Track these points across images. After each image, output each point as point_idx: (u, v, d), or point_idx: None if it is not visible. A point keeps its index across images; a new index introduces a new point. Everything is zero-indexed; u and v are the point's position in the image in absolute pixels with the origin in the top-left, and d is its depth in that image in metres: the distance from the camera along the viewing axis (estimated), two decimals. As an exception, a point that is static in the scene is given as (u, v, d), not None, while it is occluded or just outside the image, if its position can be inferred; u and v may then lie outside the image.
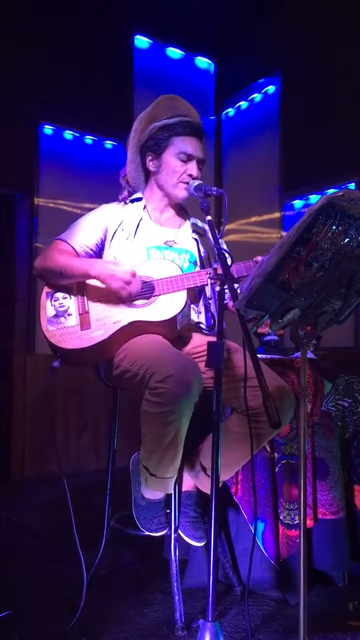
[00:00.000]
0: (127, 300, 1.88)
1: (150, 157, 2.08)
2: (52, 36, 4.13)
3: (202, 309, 2.08)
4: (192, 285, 1.89)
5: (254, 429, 1.70)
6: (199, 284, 1.90)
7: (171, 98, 2.09)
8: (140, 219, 2.09)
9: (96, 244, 2.07)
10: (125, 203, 2.14)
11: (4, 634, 1.68)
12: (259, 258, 1.85)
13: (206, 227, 1.99)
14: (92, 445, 4.23)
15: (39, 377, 3.99)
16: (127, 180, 2.19)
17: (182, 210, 2.20)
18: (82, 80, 4.24)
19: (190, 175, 2.02)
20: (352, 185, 3.74)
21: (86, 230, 2.07)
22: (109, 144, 4.50)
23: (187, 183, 2.02)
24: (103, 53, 4.38)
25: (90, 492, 2.91)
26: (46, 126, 4.21)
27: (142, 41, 4.68)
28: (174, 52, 4.85)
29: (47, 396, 4.02)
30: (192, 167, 2.03)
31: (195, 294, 2.08)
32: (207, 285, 1.92)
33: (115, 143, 4.48)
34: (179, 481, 1.90)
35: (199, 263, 2.09)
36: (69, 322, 1.92)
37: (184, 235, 2.12)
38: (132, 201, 2.15)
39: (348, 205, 1.25)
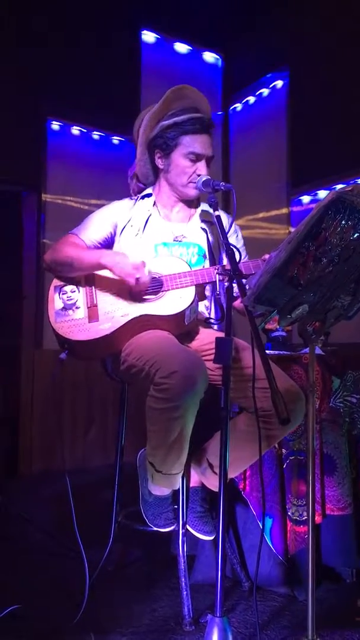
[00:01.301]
0: (135, 289, 1.88)
1: (158, 155, 2.07)
2: (58, 32, 4.12)
3: (211, 303, 2.08)
4: (201, 282, 1.89)
5: (264, 429, 1.69)
6: (207, 281, 1.90)
7: (179, 90, 2.04)
8: (150, 215, 2.09)
9: (105, 239, 2.08)
10: (136, 200, 2.14)
11: (13, 628, 1.69)
12: (267, 256, 1.84)
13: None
14: (100, 440, 4.24)
15: (46, 373, 4.00)
16: (137, 177, 2.19)
17: (193, 201, 2.18)
18: (89, 76, 4.23)
19: (199, 175, 2.02)
20: (360, 181, 3.72)
21: (96, 226, 2.08)
22: (116, 139, 4.49)
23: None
24: (110, 48, 4.36)
25: (98, 487, 2.92)
26: (53, 122, 4.20)
27: (149, 36, 4.66)
28: (182, 47, 4.83)
29: (55, 392, 4.03)
30: (201, 167, 2.02)
31: (204, 291, 2.08)
32: (215, 282, 1.92)
33: (122, 139, 4.47)
34: (186, 477, 1.90)
35: (208, 255, 2.08)
36: (77, 315, 1.93)
37: (194, 229, 2.12)
38: (142, 197, 2.15)
39: (357, 200, 1.25)
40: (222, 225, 1.79)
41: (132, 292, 1.90)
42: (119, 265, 1.87)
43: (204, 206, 2.15)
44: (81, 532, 1.82)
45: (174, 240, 2.07)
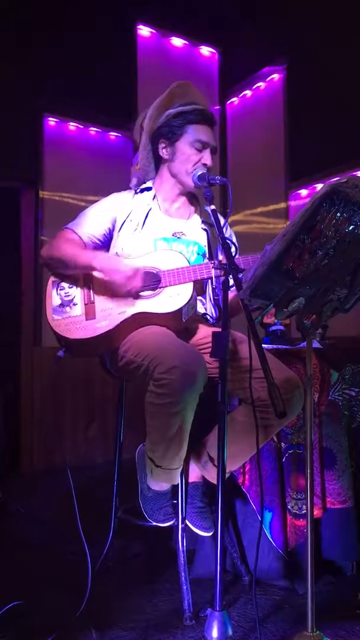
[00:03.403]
0: (129, 295, 1.88)
1: (163, 145, 2.06)
2: (54, 28, 4.10)
3: (208, 300, 2.08)
4: (199, 278, 1.88)
5: (261, 419, 1.69)
6: (205, 277, 1.89)
7: (185, 85, 2.07)
8: (149, 210, 2.07)
9: (104, 234, 2.06)
10: (136, 192, 2.13)
11: (14, 624, 1.70)
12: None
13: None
14: (100, 436, 4.25)
15: (46, 370, 4.00)
16: (139, 168, 2.18)
17: (193, 198, 2.18)
18: (85, 72, 4.21)
19: (204, 164, 2.01)
20: (358, 173, 3.71)
21: (94, 220, 2.06)
22: (113, 135, 4.48)
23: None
24: (106, 44, 4.34)
25: (98, 483, 2.92)
26: (50, 118, 4.19)
27: (145, 31, 4.64)
28: (178, 42, 4.80)
29: (55, 389, 4.04)
30: (207, 156, 2.02)
31: (202, 286, 2.07)
32: (213, 277, 1.91)
33: (119, 134, 4.46)
34: (185, 472, 1.90)
35: (207, 255, 2.07)
36: (74, 312, 1.92)
37: (193, 227, 2.11)
38: (142, 191, 2.13)
39: (352, 192, 1.24)
40: (218, 219, 1.78)
41: (124, 293, 1.90)
42: (111, 273, 1.85)
43: (205, 208, 2.14)
44: (81, 527, 1.82)
45: (173, 236, 2.06)
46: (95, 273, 1.94)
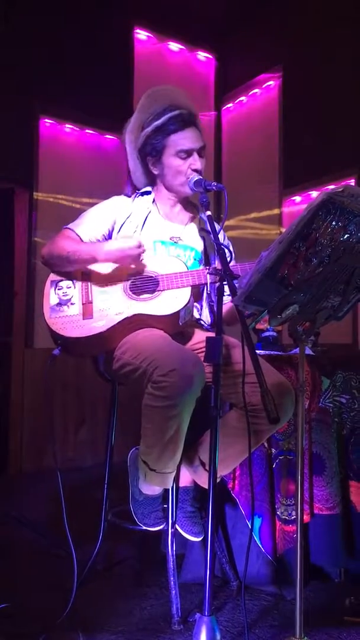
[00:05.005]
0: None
1: (151, 162, 2.07)
2: (52, 30, 4.11)
3: (204, 305, 2.08)
4: (197, 283, 1.89)
5: (253, 425, 1.70)
6: (203, 282, 1.90)
7: (152, 93, 2.05)
8: (149, 212, 2.09)
9: (103, 235, 2.07)
10: (135, 196, 2.14)
11: (1, 626, 1.69)
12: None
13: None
14: (90, 439, 4.23)
15: (37, 372, 3.98)
16: (135, 187, 2.20)
17: (190, 205, 2.19)
18: (82, 74, 4.22)
19: (195, 170, 2.01)
20: (352, 182, 3.74)
21: (94, 221, 2.07)
22: (108, 137, 4.48)
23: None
24: (103, 47, 4.35)
25: (88, 486, 2.92)
26: (46, 120, 4.19)
27: (142, 36, 4.66)
28: (175, 47, 4.83)
29: (46, 390, 4.02)
30: (194, 161, 2.01)
31: (199, 291, 2.08)
32: (208, 283, 1.92)
33: (114, 137, 4.47)
34: (176, 476, 1.90)
35: (204, 261, 2.08)
36: (71, 311, 1.92)
37: (191, 232, 2.12)
38: (142, 194, 2.15)
39: (348, 201, 1.25)
40: (213, 225, 1.79)
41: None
42: (123, 256, 1.87)
43: (203, 216, 2.15)
44: (70, 530, 1.81)
45: (171, 240, 2.07)
46: (97, 268, 1.94)
